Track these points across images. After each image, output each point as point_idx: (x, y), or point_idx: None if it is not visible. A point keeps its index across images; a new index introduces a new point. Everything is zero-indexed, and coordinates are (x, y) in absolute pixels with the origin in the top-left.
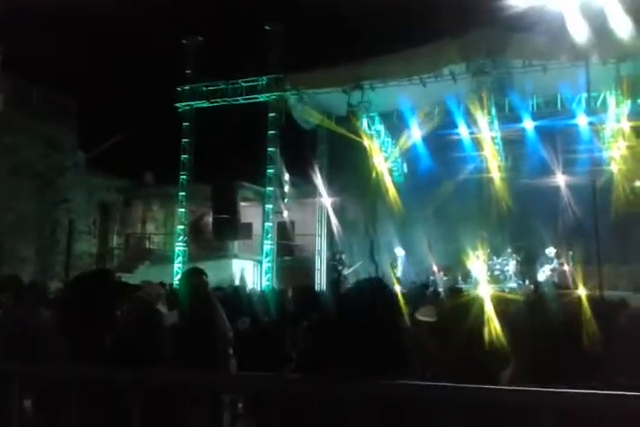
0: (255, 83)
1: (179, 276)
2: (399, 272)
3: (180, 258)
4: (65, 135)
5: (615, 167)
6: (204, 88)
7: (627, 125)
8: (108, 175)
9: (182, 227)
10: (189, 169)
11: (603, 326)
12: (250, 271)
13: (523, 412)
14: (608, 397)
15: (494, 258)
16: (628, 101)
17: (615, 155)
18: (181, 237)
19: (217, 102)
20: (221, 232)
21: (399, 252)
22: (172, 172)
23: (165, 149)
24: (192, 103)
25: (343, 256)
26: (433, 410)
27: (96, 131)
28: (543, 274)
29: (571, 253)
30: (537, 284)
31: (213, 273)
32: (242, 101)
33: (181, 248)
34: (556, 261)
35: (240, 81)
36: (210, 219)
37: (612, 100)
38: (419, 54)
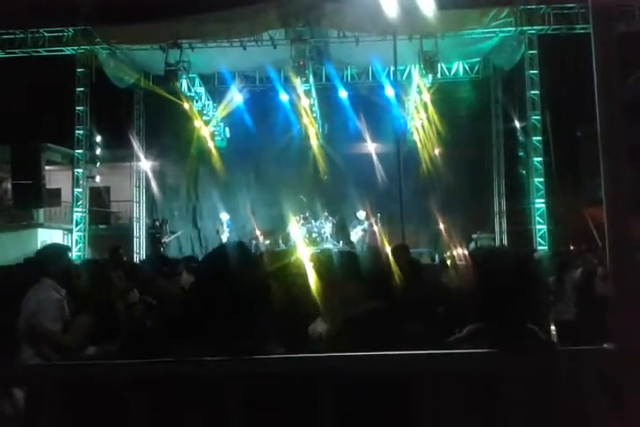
0: (60, 34)
1: None
2: (225, 238)
3: None
4: None
5: (417, 137)
6: None
7: (427, 98)
8: None
9: None
10: None
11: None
12: (59, 242)
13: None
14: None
15: (312, 221)
16: (430, 75)
17: (417, 125)
18: None
19: (14, 53)
20: (22, 199)
21: (224, 216)
22: None
23: None
24: None
25: (163, 223)
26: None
27: None
28: (355, 235)
29: (379, 215)
30: (351, 243)
31: (15, 245)
32: (44, 53)
33: None
34: (366, 222)
35: (42, 30)
36: (9, 185)
37: (415, 74)
38: (239, 16)
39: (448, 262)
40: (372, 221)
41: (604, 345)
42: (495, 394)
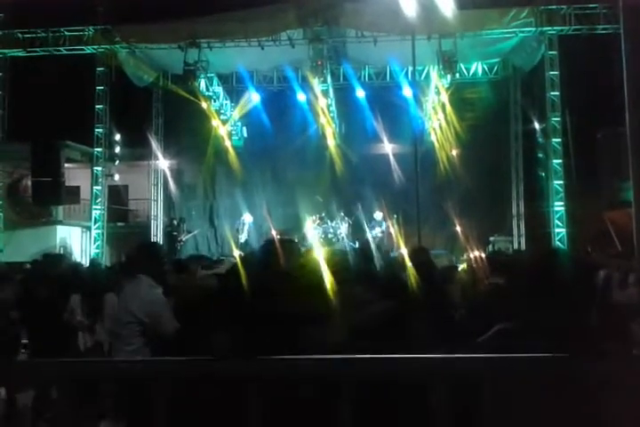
0: (80, 33)
1: None
2: (243, 238)
3: None
4: None
5: (435, 137)
6: (21, 35)
7: (445, 98)
8: None
9: None
10: (4, 125)
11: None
12: (77, 239)
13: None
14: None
15: (328, 221)
16: (448, 76)
17: (435, 125)
18: None
19: (36, 52)
20: (42, 196)
21: (247, 218)
22: None
23: None
24: (5, 51)
25: (181, 222)
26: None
27: None
28: (374, 236)
29: (395, 216)
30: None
31: (34, 242)
32: (65, 52)
33: None
34: (384, 224)
35: (63, 30)
36: (29, 182)
37: (434, 74)
38: (257, 16)
39: (468, 265)
40: (389, 222)
41: (634, 351)
42: (517, 396)
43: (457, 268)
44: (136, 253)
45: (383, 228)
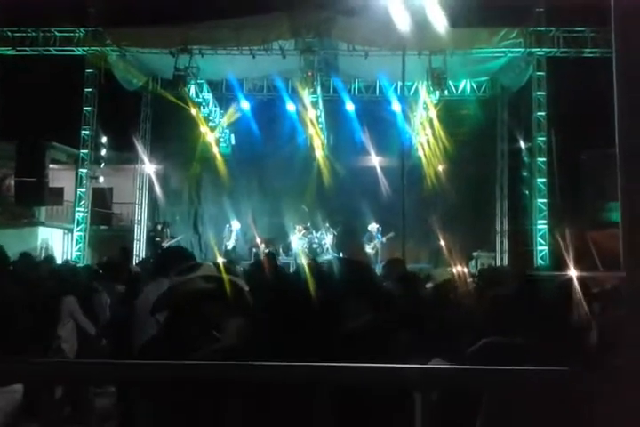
0: (71, 34)
1: None
2: (231, 244)
3: None
4: None
5: (422, 152)
6: (10, 34)
7: (433, 114)
8: None
9: None
10: None
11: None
12: (59, 241)
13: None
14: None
15: (313, 232)
16: (437, 92)
17: (422, 141)
18: None
19: (25, 51)
20: (25, 197)
21: (235, 225)
22: None
23: None
24: None
25: (165, 227)
26: None
27: None
28: (372, 249)
29: (380, 228)
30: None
31: (15, 242)
32: (55, 53)
33: None
34: (380, 236)
35: (53, 30)
36: (12, 182)
37: (423, 90)
38: (250, 24)
39: (454, 278)
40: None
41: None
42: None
43: (449, 281)
44: (163, 255)
45: (381, 239)
